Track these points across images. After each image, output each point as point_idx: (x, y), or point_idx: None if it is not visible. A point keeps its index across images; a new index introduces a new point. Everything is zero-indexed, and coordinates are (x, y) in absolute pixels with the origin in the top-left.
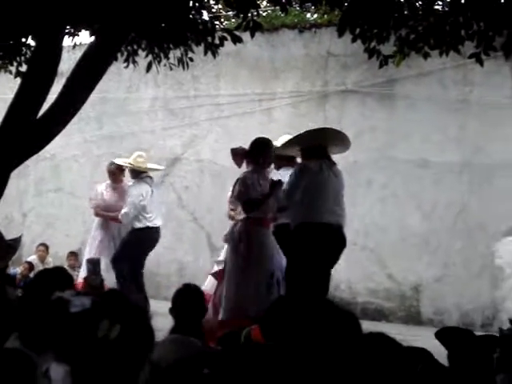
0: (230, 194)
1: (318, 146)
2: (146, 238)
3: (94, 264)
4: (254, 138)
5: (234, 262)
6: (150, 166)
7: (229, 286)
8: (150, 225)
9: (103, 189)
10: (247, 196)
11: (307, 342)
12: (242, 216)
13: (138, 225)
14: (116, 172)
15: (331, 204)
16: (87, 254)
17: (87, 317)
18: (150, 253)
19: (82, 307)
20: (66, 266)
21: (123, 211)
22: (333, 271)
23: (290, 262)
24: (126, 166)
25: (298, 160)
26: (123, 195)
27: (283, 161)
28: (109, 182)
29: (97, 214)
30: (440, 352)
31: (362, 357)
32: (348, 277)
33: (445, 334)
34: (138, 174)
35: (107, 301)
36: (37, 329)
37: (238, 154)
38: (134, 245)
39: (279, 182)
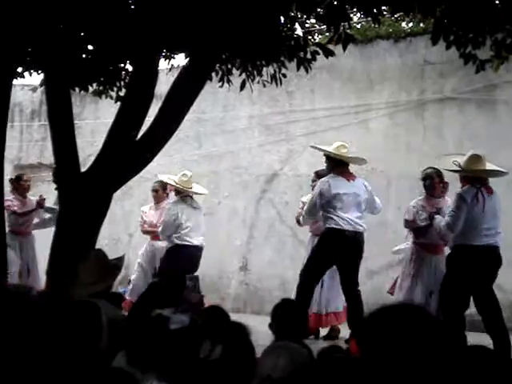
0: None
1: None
2: (186, 254)
3: (193, 280)
4: (424, 171)
5: (403, 277)
6: (194, 188)
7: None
8: (193, 242)
9: (147, 209)
10: (414, 223)
11: (402, 355)
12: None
13: (177, 241)
14: (158, 189)
15: (485, 229)
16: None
17: (186, 334)
18: (190, 274)
19: (181, 324)
20: None
21: (159, 229)
22: None
23: (445, 281)
24: (169, 184)
25: None
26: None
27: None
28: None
29: (144, 232)
30: None
31: (460, 372)
32: None
33: None
34: (180, 192)
35: (207, 319)
36: (141, 347)
37: None
38: (174, 260)
39: (436, 213)
